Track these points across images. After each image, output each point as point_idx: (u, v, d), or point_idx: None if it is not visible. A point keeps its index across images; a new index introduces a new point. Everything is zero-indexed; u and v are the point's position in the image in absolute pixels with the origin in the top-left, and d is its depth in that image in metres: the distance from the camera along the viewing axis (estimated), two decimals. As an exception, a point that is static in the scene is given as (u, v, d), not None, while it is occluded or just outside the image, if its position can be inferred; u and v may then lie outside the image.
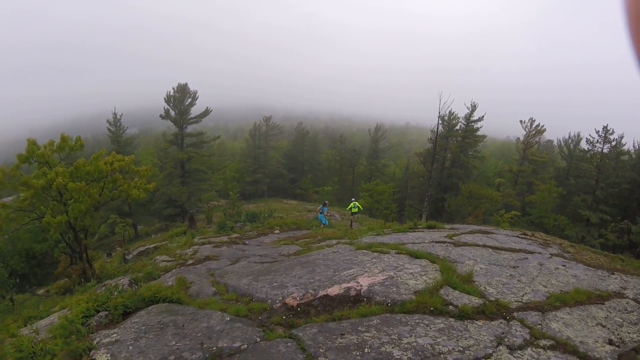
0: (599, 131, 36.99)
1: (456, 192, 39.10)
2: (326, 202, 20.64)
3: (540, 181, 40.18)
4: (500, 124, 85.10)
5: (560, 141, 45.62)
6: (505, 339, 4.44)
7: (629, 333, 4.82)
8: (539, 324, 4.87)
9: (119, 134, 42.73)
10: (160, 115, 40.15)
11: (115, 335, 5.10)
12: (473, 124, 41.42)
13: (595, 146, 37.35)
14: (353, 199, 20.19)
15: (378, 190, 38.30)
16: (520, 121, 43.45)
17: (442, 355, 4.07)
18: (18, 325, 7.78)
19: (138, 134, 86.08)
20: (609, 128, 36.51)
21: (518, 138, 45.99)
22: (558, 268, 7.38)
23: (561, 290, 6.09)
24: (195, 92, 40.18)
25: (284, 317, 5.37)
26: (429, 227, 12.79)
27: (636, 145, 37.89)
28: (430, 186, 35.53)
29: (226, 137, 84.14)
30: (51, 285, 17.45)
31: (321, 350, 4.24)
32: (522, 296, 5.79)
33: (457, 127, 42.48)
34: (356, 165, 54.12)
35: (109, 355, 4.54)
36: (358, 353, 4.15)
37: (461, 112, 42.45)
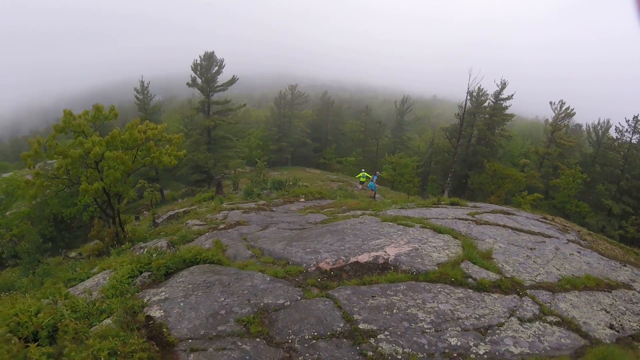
0: (629, 120, 35.94)
1: (480, 169, 38.82)
2: (377, 172, 24.40)
3: (565, 165, 39.40)
4: (530, 103, 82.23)
5: (589, 126, 44.25)
6: (517, 312, 4.94)
7: (629, 321, 5.20)
8: (549, 302, 5.32)
9: (147, 101, 43.47)
10: (187, 83, 40.56)
11: (163, 293, 5.46)
12: (502, 102, 40.60)
13: (624, 135, 36.42)
14: (362, 170, 22.97)
15: (401, 164, 38.01)
16: (550, 102, 42.32)
17: (460, 320, 4.64)
18: (59, 288, 8.25)
19: (162, 101, 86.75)
20: (639, 118, 35.42)
21: (547, 119, 44.87)
22: (573, 254, 7.65)
23: (573, 275, 6.43)
24: (222, 61, 40.25)
25: (318, 280, 5.98)
26: (452, 204, 12.84)
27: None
28: (454, 162, 35.39)
29: (250, 105, 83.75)
30: (82, 248, 18.03)
31: (355, 309, 4.86)
32: (536, 276, 6.19)
33: (485, 104, 41.68)
34: (380, 137, 53.61)
35: (162, 311, 4.89)
36: (388, 313, 4.76)
37: (490, 88, 41.54)
